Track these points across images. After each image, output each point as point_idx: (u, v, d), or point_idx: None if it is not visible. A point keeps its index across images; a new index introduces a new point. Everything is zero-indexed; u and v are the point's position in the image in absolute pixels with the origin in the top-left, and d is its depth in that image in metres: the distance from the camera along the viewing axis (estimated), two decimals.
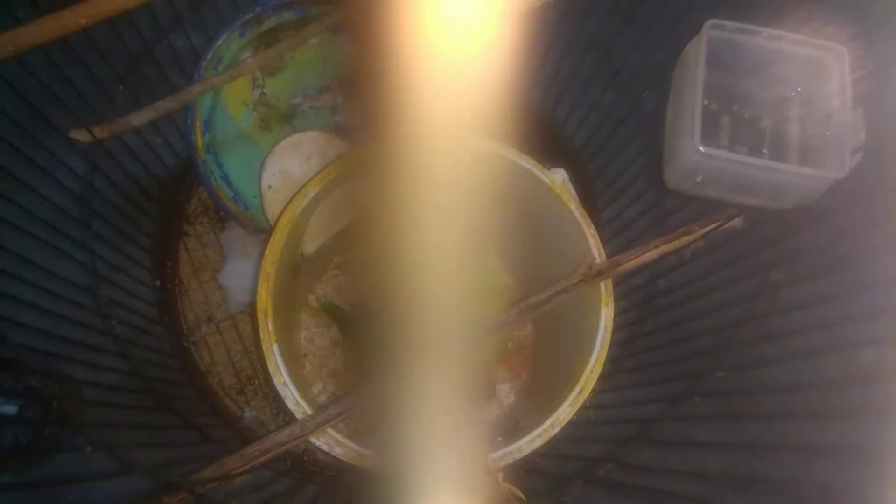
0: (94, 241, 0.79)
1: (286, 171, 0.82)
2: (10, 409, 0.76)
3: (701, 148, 0.73)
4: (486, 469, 0.56)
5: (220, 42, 0.75)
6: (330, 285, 0.92)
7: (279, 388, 0.63)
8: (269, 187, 0.81)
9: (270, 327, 0.64)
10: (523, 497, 0.55)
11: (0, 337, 0.62)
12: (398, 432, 0.23)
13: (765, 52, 0.80)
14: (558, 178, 0.72)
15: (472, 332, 0.21)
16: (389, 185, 0.18)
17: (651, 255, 0.67)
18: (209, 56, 0.75)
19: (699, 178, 0.77)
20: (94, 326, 0.77)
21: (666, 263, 0.81)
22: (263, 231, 0.86)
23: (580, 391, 0.63)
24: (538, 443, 0.61)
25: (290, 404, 0.62)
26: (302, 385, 0.68)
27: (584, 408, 0.63)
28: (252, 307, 0.81)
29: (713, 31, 0.78)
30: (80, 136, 0.71)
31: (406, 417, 0.22)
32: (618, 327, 0.68)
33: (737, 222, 0.73)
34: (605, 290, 0.68)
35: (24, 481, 0.74)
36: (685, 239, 0.68)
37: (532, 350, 0.91)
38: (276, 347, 0.63)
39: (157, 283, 0.90)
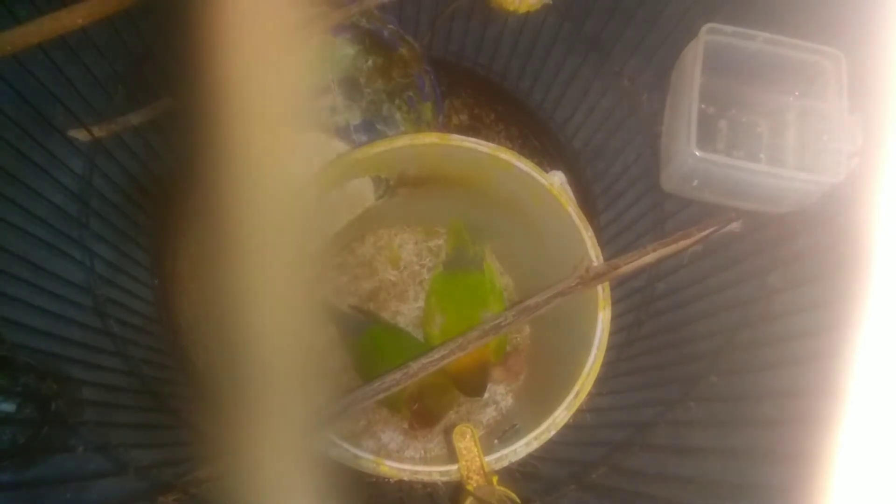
0: (93, 239, 0.79)
1: None
2: (8, 407, 0.76)
3: (697, 152, 0.72)
4: (481, 472, 0.57)
5: None
6: (328, 286, 0.92)
7: None
8: None
9: None
10: (518, 500, 0.55)
11: None
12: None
13: (762, 56, 0.80)
14: (556, 180, 0.72)
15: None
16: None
17: (649, 258, 0.67)
18: None
19: (695, 183, 0.77)
20: (92, 325, 0.77)
21: (664, 266, 0.81)
22: None
23: (577, 394, 0.63)
24: (534, 446, 0.61)
25: None
26: None
27: (580, 411, 0.63)
28: None
29: (710, 35, 0.78)
30: (80, 135, 0.71)
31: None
32: (615, 330, 0.68)
33: (735, 226, 0.73)
34: (603, 292, 0.68)
35: (22, 480, 0.74)
36: (683, 242, 0.68)
37: (529, 352, 0.91)
38: None
39: (156, 281, 0.90)
